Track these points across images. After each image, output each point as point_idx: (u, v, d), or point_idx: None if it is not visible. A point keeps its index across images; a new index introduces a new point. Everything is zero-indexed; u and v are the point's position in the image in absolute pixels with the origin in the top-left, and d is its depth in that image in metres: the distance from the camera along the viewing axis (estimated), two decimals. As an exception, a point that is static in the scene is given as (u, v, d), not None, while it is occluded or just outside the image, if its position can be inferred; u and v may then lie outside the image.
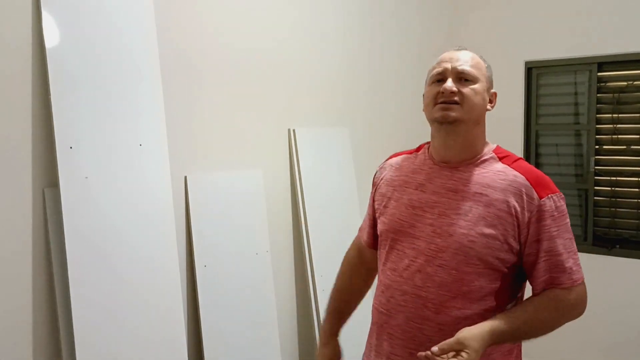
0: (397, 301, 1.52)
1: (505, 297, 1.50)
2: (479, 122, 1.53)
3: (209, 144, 2.51)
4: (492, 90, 1.59)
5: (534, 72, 3.87)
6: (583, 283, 1.49)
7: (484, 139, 1.57)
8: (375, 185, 1.73)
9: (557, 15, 3.71)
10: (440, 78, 1.52)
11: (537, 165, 3.92)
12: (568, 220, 1.47)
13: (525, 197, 1.43)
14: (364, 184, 3.19)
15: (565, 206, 1.48)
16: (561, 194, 1.48)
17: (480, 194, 1.46)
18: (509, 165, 1.49)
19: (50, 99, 1.92)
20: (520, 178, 1.46)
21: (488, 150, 1.55)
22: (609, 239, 3.66)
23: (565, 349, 3.74)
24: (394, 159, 1.72)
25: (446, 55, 1.56)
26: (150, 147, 2.16)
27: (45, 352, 1.97)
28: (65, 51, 1.97)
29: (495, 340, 1.36)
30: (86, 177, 1.98)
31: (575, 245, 1.48)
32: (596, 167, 3.67)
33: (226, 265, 2.49)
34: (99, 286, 1.98)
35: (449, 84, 1.48)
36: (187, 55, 2.41)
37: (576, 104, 3.75)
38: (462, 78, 1.50)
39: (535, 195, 1.43)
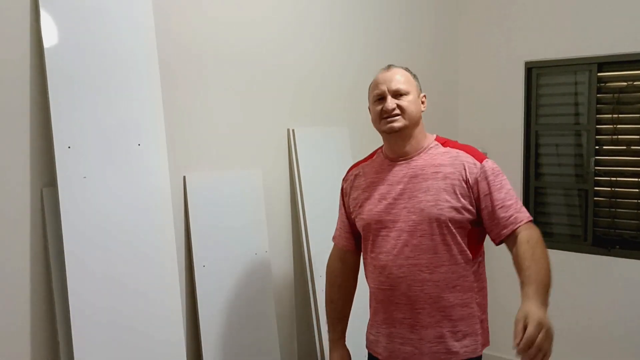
0: (396, 275, 1.87)
1: (476, 251, 1.91)
2: (418, 123, 1.94)
3: (208, 144, 2.50)
4: (422, 94, 1.99)
5: (534, 72, 3.87)
6: (531, 222, 1.84)
7: (424, 132, 1.98)
8: (345, 194, 2.11)
9: (557, 15, 3.70)
10: (380, 97, 1.94)
11: (537, 165, 3.91)
12: (504, 176, 1.89)
13: (469, 165, 1.86)
14: (364, 184, 3.18)
15: (498, 167, 1.90)
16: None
17: (436, 172, 1.87)
18: (450, 147, 1.93)
19: (48, 98, 1.91)
20: (462, 153, 1.90)
21: (431, 140, 1.97)
22: (608, 240, 3.66)
23: (564, 350, 3.73)
24: (355, 169, 2.11)
25: (381, 77, 1.97)
26: (148, 146, 2.15)
27: (43, 352, 1.96)
28: (64, 51, 1.96)
29: (541, 295, 1.60)
30: (84, 177, 1.97)
31: (515, 192, 1.88)
32: (596, 168, 3.66)
33: (225, 266, 2.48)
34: (97, 286, 1.97)
35: (389, 102, 1.89)
36: (186, 55, 2.41)
37: (576, 104, 3.75)
38: (398, 94, 1.90)
39: (476, 162, 1.87)
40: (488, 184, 1.83)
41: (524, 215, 1.82)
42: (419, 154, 1.93)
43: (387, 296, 1.91)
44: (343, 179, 2.15)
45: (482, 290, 1.93)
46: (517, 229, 1.79)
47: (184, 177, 2.39)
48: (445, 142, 1.95)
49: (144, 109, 2.16)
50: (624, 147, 3.58)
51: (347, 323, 2.15)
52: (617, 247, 3.60)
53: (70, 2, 2.00)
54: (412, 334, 1.89)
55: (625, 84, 3.54)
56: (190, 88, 2.43)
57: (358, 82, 3.28)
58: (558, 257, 3.79)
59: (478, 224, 1.88)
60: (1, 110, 1.87)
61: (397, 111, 1.88)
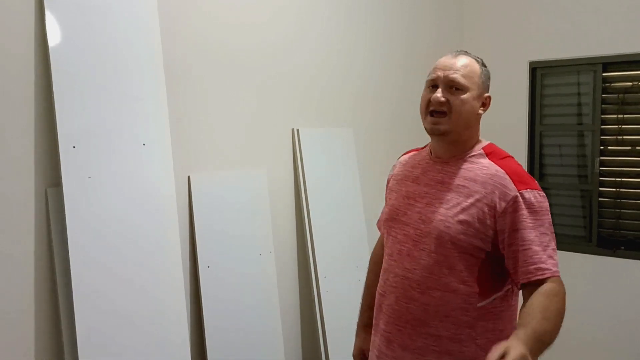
0: (390, 283, 1.69)
1: (489, 286, 1.59)
2: (469, 126, 1.64)
3: (213, 144, 2.50)
4: (486, 94, 1.68)
5: (538, 72, 3.85)
6: (558, 278, 1.53)
7: (476, 138, 1.69)
8: (388, 182, 1.89)
9: (562, 15, 3.69)
10: (433, 84, 1.63)
11: (541, 166, 3.90)
12: (548, 217, 1.56)
13: (503, 189, 1.55)
14: (368, 184, 3.17)
15: (546, 204, 1.57)
16: (542, 192, 1.58)
17: (463, 186, 1.61)
18: (494, 161, 1.62)
19: (53, 98, 1.91)
20: (501, 172, 1.58)
21: (478, 147, 1.68)
22: (613, 241, 3.64)
23: (568, 351, 3.72)
24: (403, 157, 1.89)
25: (442, 61, 1.65)
26: (153, 146, 2.15)
27: (48, 352, 1.96)
28: (69, 50, 1.96)
29: (531, 340, 1.33)
30: (89, 177, 1.97)
31: (553, 242, 1.56)
32: (601, 168, 3.65)
33: (229, 266, 2.48)
34: (101, 286, 1.97)
35: (438, 94, 1.60)
36: (191, 55, 2.40)
37: (580, 104, 3.74)
38: (453, 87, 1.60)
39: (513, 187, 1.55)
40: (517, 218, 1.52)
41: (550, 268, 1.51)
42: (457, 159, 1.66)
43: (380, 302, 1.75)
44: (392, 166, 1.92)
45: (493, 331, 1.60)
46: (537, 281, 1.49)
47: (189, 177, 2.39)
48: (491, 153, 1.66)
49: (149, 108, 2.16)
50: (629, 148, 3.56)
51: None
52: (622, 248, 3.58)
53: (75, 2, 1.99)
54: (387, 349, 1.68)
55: (630, 84, 3.53)
56: (195, 88, 2.42)
57: (363, 83, 3.28)
58: (562, 258, 3.77)
59: (499, 258, 1.59)
60: (6, 109, 1.86)
61: (444, 108, 1.59)
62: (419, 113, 1.69)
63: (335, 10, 3.10)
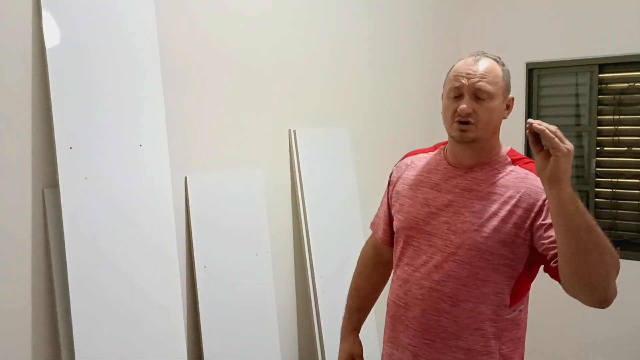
0: (414, 294, 1.61)
1: (519, 297, 1.57)
2: (495, 132, 1.60)
3: (210, 145, 2.50)
4: (510, 96, 1.62)
5: (535, 73, 3.87)
6: None
7: (499, 143, 1.64)
8: (391, 183, 1.81)
9: (558, 16, 3.71)
10: (457, 94, 1.55)
11: (538, 166, 3.91)
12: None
13: (536, 189, 1.50)
14: (365, 184, 3.18)
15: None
16: None
17: (493, 192, 1.54)
18: (520, 165, 1.58)
19: (50, 98, 1.92)
20: (531, 175, 1.53)
21: (503, 154, 1.62)
22: (610, 241, 3.65)
23: (566, 350, 3.73)
24: (409, 158, 1.79)
25: (464, 67, 1.57)
26: (150, 147, 2.15)
27: (44, 352, 1.96)
28: (66, 51, 1.96)
29: (572, 195, 1.29)
30: (86, 178, 1.97)
31: None
32: (597, 169, 3.66)
33: (226, 266, 2.48)
34: (98, 287, 1.97)
35: (465, 104, 1.52)
36: (188, 56, 2.41)
37: (577, 105, 3.75)
38: (479, 95, 1.53)
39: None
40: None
41: None
42: (482, 165, 1.60)
43: (399, 314, 1.66)
44: (395, 165, 1.83)
45: (513, 340, 1.60)
46: None
47: (185, 178, 2.39)
48: (517, 160, 1.61)
49: (146, 109, 2.16)
50: (625, 149, 3.58)
51: (366, 316, 1.92)
52: (618, 248, 3.60)
53: (72, 3, 2.00)
54: None
55: (626, 85, 3.54)
56: (191, 89, 2.43)
57: (359, 84, 3.29)
58: (559, 259, 3.80)
59: (530, 265, 1.55)
60: (3, 110, 1.87)
61: (472, 119, 1.53)
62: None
63: (332, 11, 3.11)
